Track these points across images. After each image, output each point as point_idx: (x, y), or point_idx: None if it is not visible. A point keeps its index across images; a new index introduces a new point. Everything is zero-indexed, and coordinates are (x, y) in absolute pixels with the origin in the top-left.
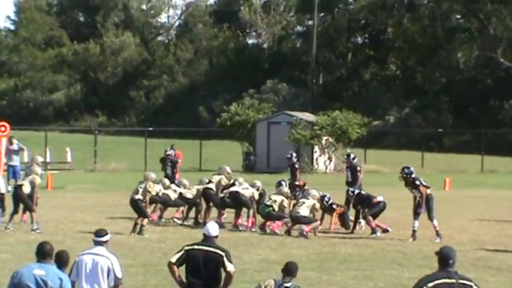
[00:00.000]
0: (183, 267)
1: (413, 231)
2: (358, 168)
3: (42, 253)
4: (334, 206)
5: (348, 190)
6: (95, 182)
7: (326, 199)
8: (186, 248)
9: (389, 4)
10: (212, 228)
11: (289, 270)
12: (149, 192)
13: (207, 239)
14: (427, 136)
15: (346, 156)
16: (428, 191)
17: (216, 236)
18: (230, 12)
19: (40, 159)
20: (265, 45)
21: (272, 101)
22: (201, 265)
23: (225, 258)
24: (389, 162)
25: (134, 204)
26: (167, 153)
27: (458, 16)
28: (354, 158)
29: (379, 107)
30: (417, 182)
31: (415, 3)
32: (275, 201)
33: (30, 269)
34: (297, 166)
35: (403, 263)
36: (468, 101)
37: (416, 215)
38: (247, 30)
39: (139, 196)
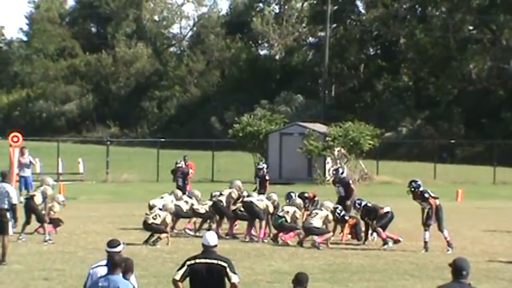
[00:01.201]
0: (188, 280)
1: (425, 242)
2: (351, 182)
3: (113, 264)
4: (346, 218)
5: (354, 202)
6: (107, 193)
7: (338, 210)
8: (188, 263)
9: (402, 15)
10: (211, 238)
11: (300, 281)
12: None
13: (207, 250)
14: (439, 147)
15: (334, 172)
16: (438, 202)
17: (215, 246)
18: (242, 23)
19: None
20: (277, 56)
21: (284, 112)
22: (205, 278)
23: (228, 269)
24: (401, 173)
25: (148, 227)
26: (178, 165)
27: (471, 27)
28: (342, 173)
29: (392, 118)
30: (426, 195)
31: (427, 14)
32: (287, 212)
33: (99, 281)
34: (267, 178)
35: (415, 274)
36: (480, 112)
37: (426, 226)
38: (259, 41)
39: (151, 221)
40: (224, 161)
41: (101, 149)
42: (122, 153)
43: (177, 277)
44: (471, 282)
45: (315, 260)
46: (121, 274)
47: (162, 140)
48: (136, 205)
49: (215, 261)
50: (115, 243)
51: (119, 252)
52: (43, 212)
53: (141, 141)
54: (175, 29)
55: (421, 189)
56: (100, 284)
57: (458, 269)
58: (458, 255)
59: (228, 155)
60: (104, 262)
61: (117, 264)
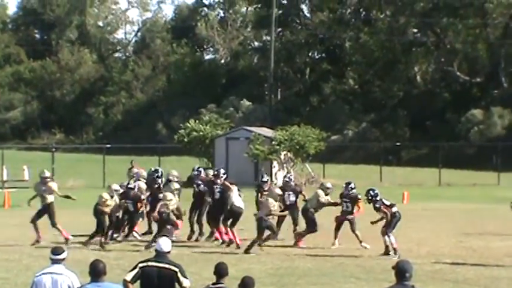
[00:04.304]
0: (139, 283)
1: (388, 247)
2: (359, 197)
3: (97, 272)
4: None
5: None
6: None
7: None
8: (140, 265)
9: (347, 19)
10: (164, 244)
11: (246, 285)
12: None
13: (160, 255)
14: (385, 150)
15: (344, 185)
16: (395, 209)
17: (169, 252)
18: (187, 27)
19: None
20: (222, 61)
21: (231, 116)
22: (155, 282)
23: (179, 274)
24: (348, 176)
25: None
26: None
27: (415, 30)
28: (353, 188)
29: (338, 122)
30: (377, 205)
31: (372, 17)
32: None
33: None
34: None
35: (361, 276)
36: (425, 115)
37: (384, 234)
38: (205, 46)
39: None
40: (171, 166)
41: (46, 156)
42: (68, 160)
43: (128, 278)
44: (416, 284)
45: (262, 264)
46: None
47: (108, 146)
48: (82, 212)
49: (167, 266)
50: (59, 250)
51: (100, 260)
52: None
53: (86, 147)
54: (120, 34)
55: (377, 198)
56: None
57: (401, 272)
58: (404, 257)
59: (175, 160)
60: (49, 269)
61: (102, 271)
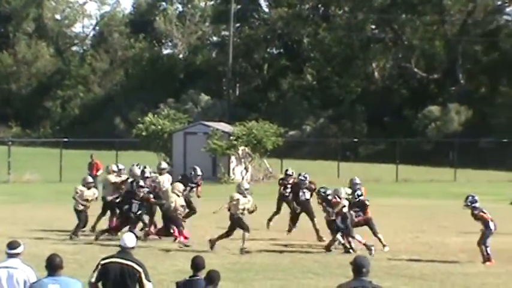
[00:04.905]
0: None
1: (364, 244)
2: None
3: (53, 266)
4: None
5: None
6: (9, 194)
7: None
8: (101, 262)
9: (305, 14)
10: (128, 239)
11: (211, 278)
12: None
13: (123, 251)
14: (342, 146)
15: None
16: (345, 210)
17: (133, 248)
18: (146, 22)
19: None
20: (181, 56)
21: (190, 111)
22: (117, 279)
23: (142, 275)
24: (306, 171)
25: None
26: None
27: (373, 26)
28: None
29: (296, 117)
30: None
31: (330, 13)
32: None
33: (43, 284)
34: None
35: (319, 272)
36: (383, 111)
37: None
38: (163, 40)
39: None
40: (128, 160)
41: (2, 150)
42: (24, 154)
43: (93, 279)
44: (373, 279)
45: (220, 259)
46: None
47: (65, 140)
48: (38, 206)
49: (130, 263)
50: (15, 244)
51: (57, 255)
52: None
53: (43, 141)
54: (77, 28)
55: (328, 192)
56: (49, 287)
57: (358, 267)
58: (360, 253)
59: (132, 155)
60: (4, 264)
61: (58, 265)
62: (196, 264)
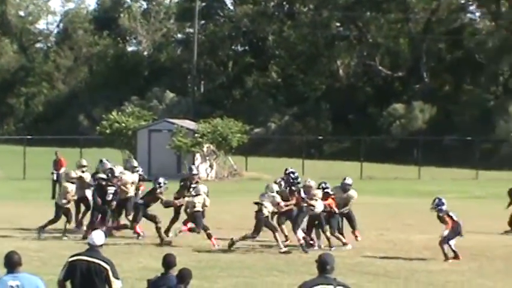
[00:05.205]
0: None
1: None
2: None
3: (12, 263)
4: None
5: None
6: None
7: None
8: (69, 260)
9: (270, 12)
10: (97, 237)
11: (183, 276)
12: None
13: (91, 249)
14: (307, 143)
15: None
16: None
17: (101, 246)
18: (110, 18)
19: None
20: (145, 53)
21: (155, 108)
22: (84, 277)
23: (110, 273)
24: (270, 169)
25: None
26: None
27: (338, 24)
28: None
29: (261, 114)
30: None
31: (295, 11)
32: None
33: (3, 282)
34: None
35: (284, 269)
36: (347, 109)
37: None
38: (127, 38)
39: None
40: (92, 158)
41: None
42: None
43: (61, 277)
44: (338, 276)
45: (184, 256)
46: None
47: (29, 137)
48: (2, 203)
49: (97, 261)
50: None
51: (15, 252)
52: None
53: (7, 138)
54: (41, 24)
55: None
56: (10, 283)
57: (323, 264)
58: (325, 251)
59: (96, 152)
60: None
61: (17, 262)
62: (168, 262)
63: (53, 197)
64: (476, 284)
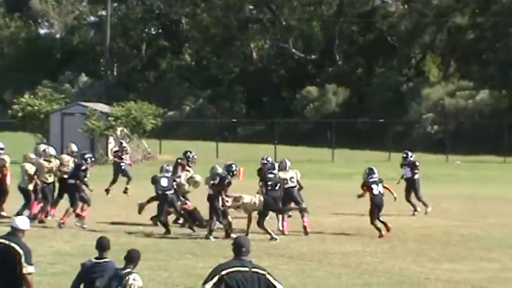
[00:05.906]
0: None
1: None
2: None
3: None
4: None
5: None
6: None
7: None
8: None
9: None
10: (20, 221)
11: (131, 257)
12: None
13: (12, 233)
14: (221, 126)
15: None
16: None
17: (23, 230)
18: (21, 1)
19: None
20: (57, 35)
21: (67, 91)
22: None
23: (23, 258)
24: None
25: None
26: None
27: (251, 7)
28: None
29: (175, 97)
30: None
31: None
32: None
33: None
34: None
35: (197, 252)
36: (261, 92)
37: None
38: (39, 20)
39: None
40: (4, 141)
41: None
42: None
43: None
44: (253, 259)
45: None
46: None
47: None
48: None
49: (13, 245)
50: None
51: None
52: None
53: None
54: None
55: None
56: None
57: (238, 246)
58: (239, 233)
59: (9, 136)
60: None
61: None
62: (103, 245)
63: None
64: (389, 265)
